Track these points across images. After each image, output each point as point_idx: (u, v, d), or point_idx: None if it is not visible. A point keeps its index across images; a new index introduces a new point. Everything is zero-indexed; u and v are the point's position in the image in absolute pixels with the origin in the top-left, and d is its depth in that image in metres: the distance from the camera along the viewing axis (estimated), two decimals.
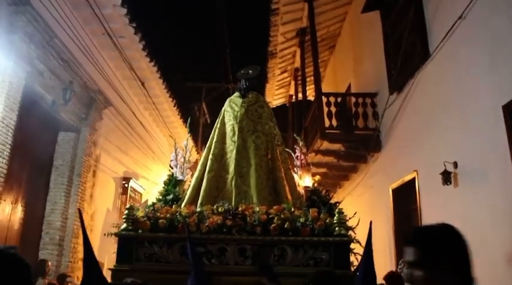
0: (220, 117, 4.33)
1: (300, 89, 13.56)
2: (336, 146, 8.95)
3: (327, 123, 8.81)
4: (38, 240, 6.90)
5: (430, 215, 6.45)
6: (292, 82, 14.35)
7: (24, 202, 6.50)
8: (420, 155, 6.82)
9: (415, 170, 6.95)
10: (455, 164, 5.69)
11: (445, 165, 5.72)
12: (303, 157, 4.62)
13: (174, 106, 11.76)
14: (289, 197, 3.91)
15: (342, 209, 3.65)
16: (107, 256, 9.08)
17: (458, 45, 5.88)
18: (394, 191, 7.88)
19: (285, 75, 14.07)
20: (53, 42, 6.24)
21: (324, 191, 4.34)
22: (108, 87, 8.26)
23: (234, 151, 4.00)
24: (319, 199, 4.12)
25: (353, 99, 9.04)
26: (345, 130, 8.86)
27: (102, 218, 8.88)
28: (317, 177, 4.96)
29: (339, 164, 9.96)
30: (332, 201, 4.40)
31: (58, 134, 7.51)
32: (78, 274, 7.27)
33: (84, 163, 7.67)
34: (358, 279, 3.06)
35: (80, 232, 7.63)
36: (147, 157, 11.85)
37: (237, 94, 4.40)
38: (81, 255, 7.56)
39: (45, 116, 6.76)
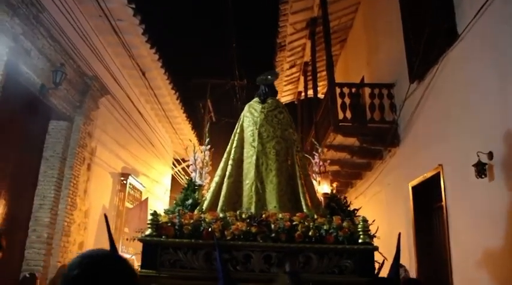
0: (240, 122, 4.28)
1: (309, 85, 12.96)
2: (350, 140, 8.31)
3: (340, 116, 8.18)
4: (24, 238, 6.27)
5: (458, 213, 5.81)
6: (301, 78, 13.72)
7: (9, 196, 5.88)
8: (446, 147, 6.17)
9: (439, 165, 6.31)
10: (491, 155, 5.03)
11: (478, 156, 5.07)
12: (321, 163, 4.57)
13: (177, 99, 11.11)
14: (310, 204, 3.85)
15: (365, 217, 3.54)
16: None
17: (491, 24, 5.24)
18: (414, 188, 7.23)
19: (294, 69, 13.44)
20: (42, 18, 5.64)
21: (343, 198, 4.25)
22: (105, 74, 7.64)
23: (254, 157, 3.98)
24: (338, 206, 4.06)
25: (368, 91, 8.40)
26: (360, 122, 8.22)
27: (97, 216, 8.24)
28: (335, 183, 4.93)
29: (353, 161, 9.33)
30: (350, 205, 4.24)
31: (49, 123, 6.90)
32: None
33: (78, 155, 7.05)
34: None
35: (71, 229, 7.10)
36: (148, 153, 11.22)
37: (256, 99, 4.32)
38: (72, 255, 6.94)
39: (34, 102, 6.15)
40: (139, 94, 10.27)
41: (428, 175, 6.69)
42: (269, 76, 4.47)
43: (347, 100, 8.27)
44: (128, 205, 9.74)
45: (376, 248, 3.42)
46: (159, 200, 12.97)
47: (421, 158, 7.00)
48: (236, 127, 4.28)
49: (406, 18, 7.68)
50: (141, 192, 10.72)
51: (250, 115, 4.19)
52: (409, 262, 7.15)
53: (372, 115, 8.15)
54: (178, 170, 14.11)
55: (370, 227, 3.54)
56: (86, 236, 7.63)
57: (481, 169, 5.02)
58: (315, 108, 10.73)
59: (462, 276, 5.59)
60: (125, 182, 9.52)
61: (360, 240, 3.40)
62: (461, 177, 5.64)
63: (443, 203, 6.14)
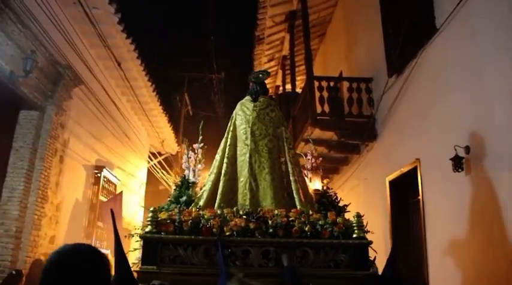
0: (232, 120, 4.35)
1: (287, 80, 12.90)
2: (328, 134, 8.27)
3: (318, 109, 8.13)
4: None
5: (434, 207, 5.83)
6: (280, 72, 13.64)
7: None
8: (423, 142, 6.18)
9: (417, 159, 6.32)
10: (468, 149, 5.04)
11: (455, 149, 5.07)
12: (314, 160, 4.68)
13: (154, 91, 10.90)
14: (303, 200, 3.95)
15: (358, 212, 3.64)
16: None
17: (469, 19, 5.24)
18: (392, 183, 7.24)
19: (272, 63, 13.36)
20: (11, 2, 5.41)
21: (333, 194, 4.33)
22: (79, 63, 7.40)
23: (247, 155, 4.06)
24: (329, 202, 4.15)
25: (346, 85, 8.37)
26: (338, 117, 8.19)
27: (69, 209, 8.04)
28: (326, 180, 4.96)
29: (330, 156, 9.28)
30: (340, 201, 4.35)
31: (19, 112, 6.65)
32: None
33: (49, 146, 6.81)
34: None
35: (42, 223, 6.88)
36: (124, 146, 10.99)
37: (248, 98, 4.39)
38: (43, 250, 6.74)
39: (2, 90, 5.91)
40: (115, 86, 10.04)
41: (406, 169, 6.70)
42: (260, 75, 4.52)
43: (325, 94, 8.23)
44: (102, 198, 9.52)
45: (370, 243, 3.52)
46: (134, 194, 12.75)
47: (399, 152, 7.01)
48: (229, 126, 4.35)
49: (385, 12, 7.68)
50: (115, 185, 10.50)
51: (243, 114, 4.25)
52: (384, 257, 7.17)
53: (350, 109, 8.13)
54: (155, 164, 13.89)
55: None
56: (57, 230, 7.41)
57: (458, 163, 5.03)
58: (293, 103, 10.66)
59: (438, 271, 5.61)
60: (99, 175, 9.30)
61: (354, 235, 3.49)
62: (438, 171, 5.65)
63: (420, 197, 6.16)
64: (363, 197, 8.67)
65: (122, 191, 10.12)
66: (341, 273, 3.39)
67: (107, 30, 7.95)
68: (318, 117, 8.04)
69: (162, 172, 13.80)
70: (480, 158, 4.86)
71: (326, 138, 8.46)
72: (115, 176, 10.33)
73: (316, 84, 8.32)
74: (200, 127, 4.61)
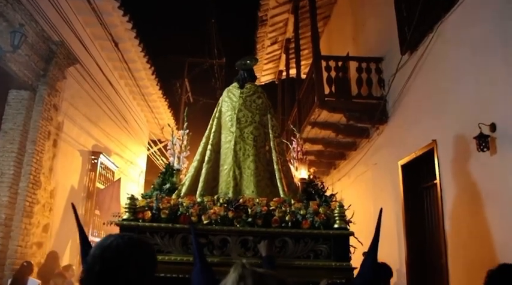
0: (218, 107, 4.29)
1: (291, 65, 12.45)
2: (336, 117, 7.85)
3: (326, 90, 7.72)
4: None
5: (453, 190, 5.42)
6: (283, 56, 13.17)
7: None
8: (441, 122, 5.77)
9: (433, 140, 5.90)
10: (493, 127, 4.63)
11: (480, 127, 4.66)
12: (299, 148, 4.55)
13: (153, 74, 10.47)
14: (286, 189, 3.89)
15: (341, 202, 3.61)
16: (71, 241, 7.91)
17: None
18: (404, 167, 6.83)
19: (275, 47, 12.88)
20: None
21: (320, 183, 4.21)
22: (74, 41, 6.95)
23: (232, 142, 3.99)
24: (315, 191, 4.04)
25: (355, 65, 7.94)
26: (347, 98, 7.77)
27: (64, 196, 7.66)
28: (312, 169, 4.90)
29: (337, 140, 8.91)
30: (327, 190, 4.24)
31: (8, 92, 6.24)
32: (31, 260, 6.08)
33: (41, 128, 6.41)
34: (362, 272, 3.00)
35: (35, 210, 6.50)
36: (122, 132, 10.58)
37: (235, 84, 4.33)
38: (35, 239, 6.38)
39: None
40: (113, 68, 9.62)
41: (421, 151, 6.30)
42: (248, 61, 4.46)
43: (333, 74, 7.82)
44: (99, 185, 9.15)
45: (352, 233, 3.44)
46: (134, 182, 12.38)
47: (412, 134, 6.60)
48: (214, 112, 4.28)
49: None
50: (113, 172, 10.12)
51: (229, 100, 4.21)
52: (397, 244, 6.81)
53: (360, 91, 7.71)
54: (155, 152, 13.49)
55: (347, 212, 3.57)
56: (51, 218, 7.04)
57: (483, 142, 4.62)
58: (298, 87, 10.22)
59: (459, 259, 5.22)
60: (95, 161, 8.92)
61: (335, 225, 3.43)
62: (459, 152, 5.25)
63: (437, 181, 5.76)
64: (371, 183, 8.29)
65: (120, 178, 9.73)
66: (321, 263, 3.32)
67: (102, 7, 7.50)
68: (326, 98, 7.63)
69: (162, 160, 13.40)
70: (508, 136, 4.46)
71: (334, 121, 8.06)
72: (113, 163, 9.94)
73: (324, 64, 7.90)
74: (185, 113, 4.59)
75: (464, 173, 5.16)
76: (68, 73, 7.24)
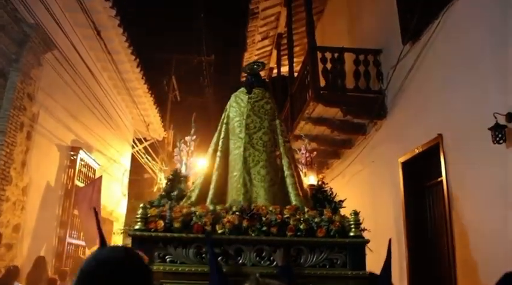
0: (226, 113, 4.25)
1: (283, 62, 12.00)
2: (332, 112, 7.42)
3: (322, 83, 7.28)
4: None
5: (462, 187, 5.00)
6: (274, 52, 12.71)
7: None
8: (447, 114, 5.37)
9: (438, 135, 5.49)
10: (510, 117, 4.21)
11: (496, 117, 4.24)
12: (308, 154, 4.59)
13: (138, 67, 9.93)
14: (300, 194, 3.81)
15: (356, 210, 3.46)
16: (46, 244, 7.35)
17: None
18: (405, 164, 6.42)
19: (266, 42, 12.41)
20: None
21: (329, 189, 4.10)
22: (51, 26, 6.35)
23: (242, 148, 3.94)
24: (324, 198, 3.98)
25: (352, 57, 7.51)
26: (343, 91, 7.33)
27: (39, 194, 7.09)
28: (321, 175, 5.06)
29: (332, 137, 8.47)
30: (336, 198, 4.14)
31: None
32: None
33: (12, 118, 5.85)
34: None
35: (4, 208, 5.91)
36: (106, 128, 10.01)
37: (242, 89, 4.27)
38: (4, 240, 5.80)
39: None
40: (96, 59, 9.07)
41: (423, 148, 5.89)
42: (255, 66, 4.44)
43: (329, 66, 7.38)
44: (78, 183, 8.57)
45: (367, 241, 3.37)
46: (117, 181, 11.81)
47: (414, 129, 6.19)
48: (222, 117, 4.25)
49: None
50: (94, 170, 9.54)
51: (237, 106, 4.16)
52: (397, 247, 6.37)
53: (357, 84, 7.28)
54: (140, 150, 12.92)
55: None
56: (23, 218, 6.46)
57: (498, 133, 4.21)
58: (290, 85, 9.74)
59: (468, 262, 4.78)
60: (75, 157, 8.34)
61: (351, 233, 3.36)
62: (469, 146, 4.83)
63: (444, 178, 5.33)
64: (368, 183, 7.86)
65: (101, 176, 9.15)
66: (337, 272, 3.24)
67: None
68: (322, 92, 7.19)
69: (147, 158, 12.85)
70: None
71: (329, 116, 7.63)
72: (94, 160, 9.37)
73: (319, 55, 7.46)
74: (192, 119, 4.51)
75: (475, 168, 4.74)
76: (45, 60, 6.69)
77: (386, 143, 7.06)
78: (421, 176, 6.20)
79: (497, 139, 4.21)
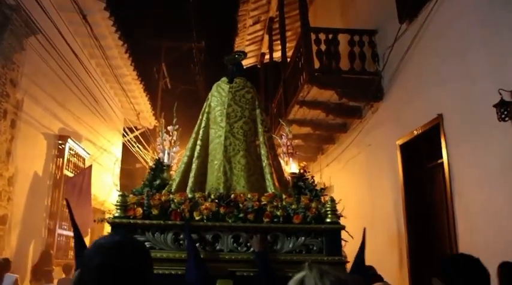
0: (208, 102, 4.28)
1: (275, 47, 11.74)
2: (327, 94, 7.22)
3: (316, 65, 7.07)
4: None
5: (464, 168, 4.84)
6: (266, 37, 12.45)
7: None
8: (448, 93, 5.19)
9: (438, 115, 5.31)
10: None
11: (501, 94, 4.07)
12: (289, 143, 4.56)
13: (126, 53, 9.65)
14: (277, 184, 3.88)
15: (332, 197, 3.58)
16: (35, 236, 7.14)
17: None
18: (403, 146, 6.25)
19: (258, 26, 12.15)
20: None
21: (310, 178, 4.19)
22: (34, 8, 6.10)
23: (222, 137, 3.99)
24: (305, 186, 4.04)
25: (347, 38, 7.30)
26: (338, 73, 7.12)
27: (26, 185, 6.85)
28: (303, 163, 4.92)
29: (326, 121, 8.28)
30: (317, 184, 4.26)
31: None
32: None
33: None
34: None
35: None
36: (95, 116, 9.72)
37: (224, 79, 4.32)
38: None
39: None
40: (82, 45, 8.75)
41: (422, 129, 5.72)
42: (237, 55, 4.47)
43: (323, 48, 7.17)
44: (68, 173, 8.34)
45: (343, 227, 3.45)
46: (108, 171, 11.56)
47: (412, 111, 6.02)
48: (204, 107, 4.28)
49: None
50: (84, 160, 9.31)
51: (218, 95, 4.20)
52: (397, 232, 6.23)
53: (352, 66, 7.08)
54: (131, 139, 12.66)
55: (338, 206, 3.55)
56: (10, 209, 6.25)
57: (504, 110, 4.03)
58: (283, 70, 9.51)
59: (471, 245, 4.62)
60: (63, 146, 8.10)
61: (327, 220, 3.44)
62: (472, 125, 4.67)
63: (445, 159, 5.17)
64: (364, 167, 7.70)
65: (91, 165, 8.94)
66: (313, 258, 3.20)
67: None
68: (316, 74, 6.98)
69: (138, 147, 12.60)
70: None
71: (324, 99, 7.44)
72: (83, 149, 9.13)
73: (313, 37, 7.24)
74: (174, 108, 4.49)
75: (478, 147, 4.58)
76: (28, 45, 6.42)
77: (384, 126, 6.89)
78: (421, 158, 6.04)
79: (503, 116, 4.03)
